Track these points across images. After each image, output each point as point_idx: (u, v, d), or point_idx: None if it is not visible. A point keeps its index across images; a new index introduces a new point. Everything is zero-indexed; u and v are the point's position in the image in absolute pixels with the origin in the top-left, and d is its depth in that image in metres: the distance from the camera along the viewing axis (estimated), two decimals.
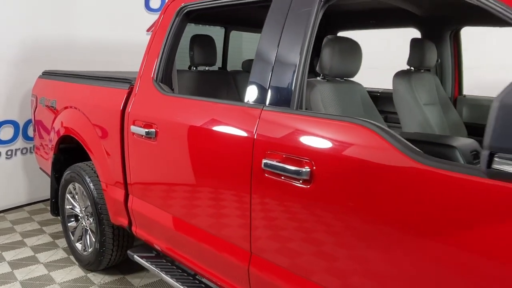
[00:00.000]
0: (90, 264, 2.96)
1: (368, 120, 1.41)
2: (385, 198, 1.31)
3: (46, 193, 3.49)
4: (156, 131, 2.21)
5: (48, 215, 4.02)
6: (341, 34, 3.49)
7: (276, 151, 1.62)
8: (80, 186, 2.94)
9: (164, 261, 2.49)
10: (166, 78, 2.39)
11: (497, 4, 1.16)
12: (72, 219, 3.18)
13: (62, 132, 3.08)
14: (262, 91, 1.77)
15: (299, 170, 1.52)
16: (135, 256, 2.56)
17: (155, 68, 2.38)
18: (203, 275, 2.13)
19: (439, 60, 2.91)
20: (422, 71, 2.73)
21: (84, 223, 3.03)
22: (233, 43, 3.92)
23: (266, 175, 1.65)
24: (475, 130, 2.74)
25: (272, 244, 1.70)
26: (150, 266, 2.44)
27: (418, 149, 1.29)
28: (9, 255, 3.28)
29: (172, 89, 2.41)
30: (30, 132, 4.17)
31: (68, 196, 3.15)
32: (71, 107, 3.02)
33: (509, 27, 2.08)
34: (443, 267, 1.19)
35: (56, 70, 3.59)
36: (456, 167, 1.15)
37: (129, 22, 4.68)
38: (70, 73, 3.35)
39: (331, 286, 1.52)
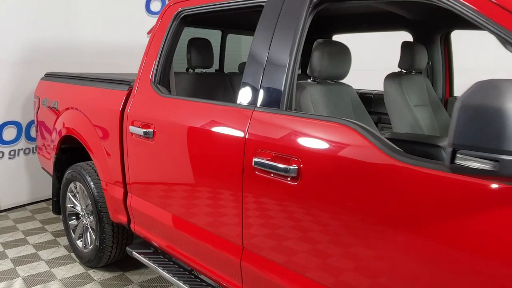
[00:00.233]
0: (91, 261, 3.04)
1: (351, 120, 1.49)
2: (366, 193, 1.39)
3: (48, 193, 3.57)
4: (153, 131, 2.30)
5: (50, 214, 4.11)
6: (343, 36, 3.55)
7: (266, 150, 1.70)
8: (81, 185, 3.03)
9: (162, 257, 2.57)
10: (163, 80, 2.47)
11: (465, 8, 1.25)
12: (73, 217, 3.26)
13: (63, 133, 3.16)
14: (254, 92, 1.85)
15: (287, 168, 1.60)
16: (134, 252, 2.64)
17: (153, 70, 2.47)
18: (198, 270, 2.21)
19: (430, 63, 2.98)
20: (413, 73, 2.81)
21: (84, 221, 3.12)
22: (233, 46, 4.01)
23: (257, 172, 1.73)
24: None
25: (262, 238, 1.78)
26: (148, 262, 2.51)
27: (397, 148, 1.37)
28: (12, 253, 3.36)
29: (170, 91, 2.49)
30: (33, 133, 4.26)
31: (69, 194, 3.24)
32: (72, 108, 3.11)
33: None
34: (414, 257, 1.28)
35: (58, 72, 3.68)
36: (427, 164, 1.24)
37: (130, 25, 4.77)
38: (72, 75, 3.44)
39: (320, 278, 1.59)
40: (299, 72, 2.17)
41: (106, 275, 3.04)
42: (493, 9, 1.21)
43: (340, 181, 1.47)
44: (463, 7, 1.27)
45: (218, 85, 3.18)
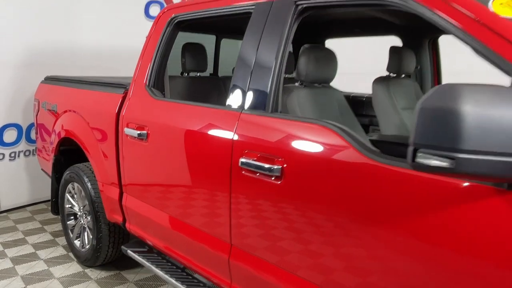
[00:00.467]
0: (88, 260, 3.12)
1: (331, 122, 1.57)
2: (344, 191, 1.47)
3: (48, 194, 3.63)
4: (147, 133, 2.37)
5: (49, 215, 4.18)
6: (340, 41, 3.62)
7: (252, 151, 1.78)
8: (79, 186, 3.11)
9: (155, 255, 2.64)
10: (158, 83, 2.55)
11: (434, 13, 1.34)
12: (71, 218, 3.34)
13: (62, 135, 3.25)
14: (242, 95, 1.93)
15: (271, 167, 1.68)
16: (128, 251, 2.72)
17: (147, 74, 2.55)
18: (190, 267, 2.28)
19: (419, 67, 3.06)
20: (403, 76, 2.88)
21: (82, 221, 3.20)
22: (230, 50, 4.06)
23: (243, 172, 1.81)
24: None
25: (249, 235, 1.85)
26: (142, 260, 2.59)
27: (373, 148, 1.44)
28: (11, 252, 3.44)
29: (164, 94, 2.57)
30: (33, 135, 4.33)
31: (67, 195, 3.32)
32: (70, 110, 3.19)
33: None
34: (385, 252, 1.36)
35: (57, 76, 3.76)
36: (395, 162, 1.33)
37: (129, 29, 4.83)
38: (71, 78, 3.52)
39: (303, 273, 1.66)
40: (293, 75, 2.25)
41: (103, 273, 3.11)
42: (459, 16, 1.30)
43: (320, 180, 1.54)
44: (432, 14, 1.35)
45: (212, 89, 3.26)
